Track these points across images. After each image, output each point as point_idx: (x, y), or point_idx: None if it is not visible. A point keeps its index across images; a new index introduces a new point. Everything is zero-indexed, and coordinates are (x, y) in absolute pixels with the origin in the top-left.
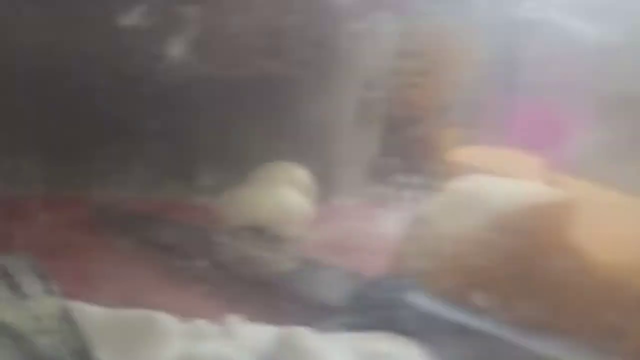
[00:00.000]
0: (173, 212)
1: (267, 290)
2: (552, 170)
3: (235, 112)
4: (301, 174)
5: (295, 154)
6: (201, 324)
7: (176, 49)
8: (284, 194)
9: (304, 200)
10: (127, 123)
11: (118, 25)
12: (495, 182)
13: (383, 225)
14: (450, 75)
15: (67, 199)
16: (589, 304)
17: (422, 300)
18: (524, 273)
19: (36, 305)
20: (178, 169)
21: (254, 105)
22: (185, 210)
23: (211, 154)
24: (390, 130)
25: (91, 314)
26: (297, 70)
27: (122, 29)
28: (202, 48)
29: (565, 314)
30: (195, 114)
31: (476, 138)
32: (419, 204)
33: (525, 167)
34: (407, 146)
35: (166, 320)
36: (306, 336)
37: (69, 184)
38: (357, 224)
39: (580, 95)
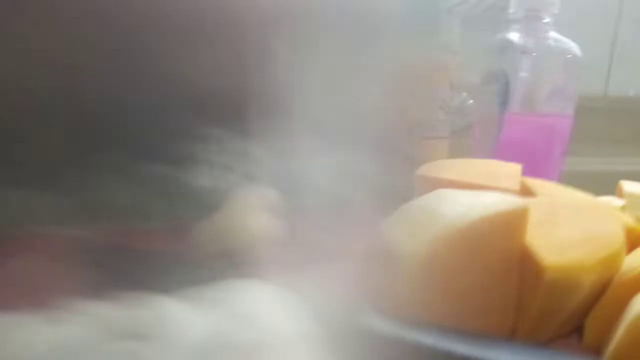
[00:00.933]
0: (138, 241)
1: None
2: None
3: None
4: (272, 195)
5: (266, 175)
6: None
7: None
8: (254, 217)
9: (275, 224)
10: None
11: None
12: (458, 194)
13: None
14: (427, 93)
15: (38, 236)
16: (544, 308)
17: (382, 323)
18: (482, 286)
19: None
20: (148, 197)
21: (221, 126)
22: (153, 239)
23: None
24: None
25: None
26: (267, 89)
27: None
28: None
29: (524, 320)
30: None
31: (458, 151)
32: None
33: (501, 175)
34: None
35: None
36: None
37: (39, 220)
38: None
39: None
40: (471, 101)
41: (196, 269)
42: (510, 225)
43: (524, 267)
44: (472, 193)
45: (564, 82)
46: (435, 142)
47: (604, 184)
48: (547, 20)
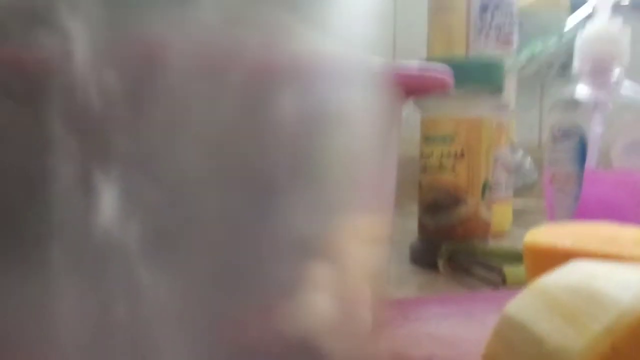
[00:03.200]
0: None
1: None
2: None
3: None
4: None
5: None
6: None
7: None
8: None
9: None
10: None
11: None
12: (608, 269)
13: (453, 329)
14: (487, 154)
15: None
16: None
17: None
18: None
19: None
20: None
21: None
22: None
23: None
24: (431, 214)
25: None
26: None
27: None
28: None
29: None
30: None
31: (523, 213)
32: (491, 298)
33: (626, 241)
34: (454, 228)
35: None
36: None
37: None
38: (423, 326)
39: None
40: (529, 160)
41: None
42: None
43: None
44: (631, 268)
45: None
46: (500, 205)
47: None
48: (617, 70)
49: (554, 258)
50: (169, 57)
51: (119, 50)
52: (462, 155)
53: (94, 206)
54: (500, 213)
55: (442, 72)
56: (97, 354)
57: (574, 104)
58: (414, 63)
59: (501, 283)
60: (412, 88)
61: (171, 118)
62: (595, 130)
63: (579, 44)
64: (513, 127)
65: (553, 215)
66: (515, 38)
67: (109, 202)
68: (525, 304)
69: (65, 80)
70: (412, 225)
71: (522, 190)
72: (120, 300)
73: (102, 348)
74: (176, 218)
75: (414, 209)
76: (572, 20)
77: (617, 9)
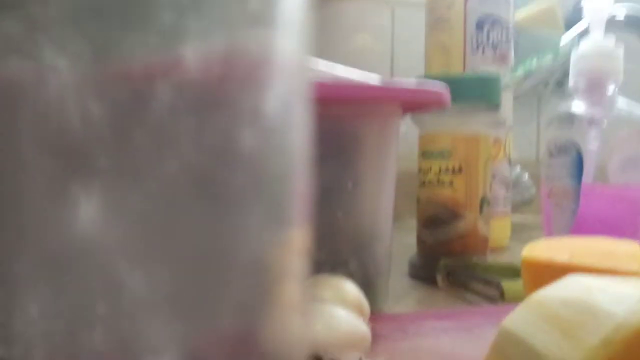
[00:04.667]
0: None
1: None
2: None
3: None
4: (349, 287)
5: (334, 263)
6: None
7: None
8: (334, 313)
9: (357, 319)
10: None
11: None
12: (604, 283)
13: (452, 344)
14: (484, 170)
15: None
16: None
17: None
18: None
19: None
20: None
21: None
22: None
23: None
24: (429, 229)
25: None
26: (329, 177)
27: None
28: None
29: None
30: None
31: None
32: (489, 312)
33: (622, 256)
34: (452, 243)
35: None
36: None
37: None
38: (422, 341)
39: None
40: (527, 175)
41: None
42: None
43: None
44: (627, 282)
45: (637, 151)
46: (498, 220)
47: None
48: (612, 88)
49: (551, 272)
50: (154, 89)
51: (101, 80)
52: (460, 170)
53: (71, 216)
54: (498, 228)
55: (439, 88)
56: (79, 349)
57: (569, 119)
58: (411, 80)
59: (499, 298)
60: (410, 104)
61: (155, 141)
62: (591, 145)
63: (573, 60)
64: (510, 143)
65: (550, 230)
66: (511, 55)
67: (87, 211)
68: (522, 318)
69: (38, 105)
70: (411, 240)
71: (521, 205)
72: (100, 299)
73: (83, 343)
74: (155, 227)
75: (412, 224)
76: (567, 37)
77: (611, 25)
